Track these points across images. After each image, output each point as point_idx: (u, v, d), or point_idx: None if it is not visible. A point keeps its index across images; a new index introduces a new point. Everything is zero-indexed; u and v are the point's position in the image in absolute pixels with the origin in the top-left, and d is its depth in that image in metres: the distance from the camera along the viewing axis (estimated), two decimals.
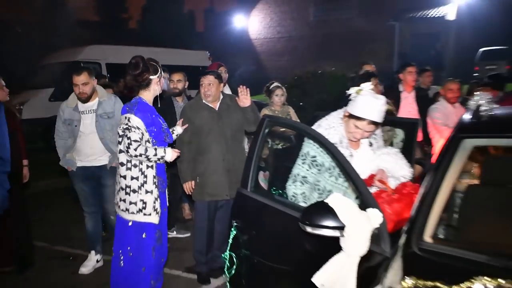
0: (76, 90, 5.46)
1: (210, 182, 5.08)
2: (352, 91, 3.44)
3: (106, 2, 31.91)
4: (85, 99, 5.49)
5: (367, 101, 3.36)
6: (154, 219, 4.47)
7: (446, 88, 6.79)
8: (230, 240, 3.54)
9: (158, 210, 4.48)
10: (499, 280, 1.94)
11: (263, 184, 4.94)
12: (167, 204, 4.80)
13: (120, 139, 4.36)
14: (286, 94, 7.16)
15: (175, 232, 7.00)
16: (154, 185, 4.46)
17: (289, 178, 3.51)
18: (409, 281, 2.07)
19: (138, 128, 4.32)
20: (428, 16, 27.35)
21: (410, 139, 3.99)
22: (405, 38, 28.05)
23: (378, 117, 3.35)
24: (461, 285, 1.97)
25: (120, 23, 32.43)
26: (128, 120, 4.33)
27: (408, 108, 6.84)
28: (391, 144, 4.34)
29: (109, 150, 5.59)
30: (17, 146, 5.49)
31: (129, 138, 4.29)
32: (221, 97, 5.31)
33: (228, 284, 3.61)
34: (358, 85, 4.06)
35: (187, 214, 7.79)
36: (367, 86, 4.07)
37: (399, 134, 4.36)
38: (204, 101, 5.21)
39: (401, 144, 4.29)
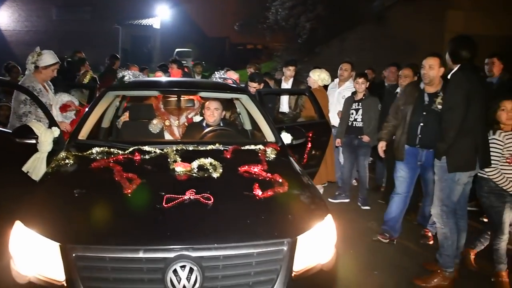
0: None
1: None
2: (35, 57, 4.14)
3: None
4: None
5: (47, 55, 4.16)
6: None
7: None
8: None
9: None
10: (104, 148, 2.91)
11: None
12: None
13: None
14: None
15: None
16: None
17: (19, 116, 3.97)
18: (63, 153, 2.83)
19: None
20: (142, 24, 28.18)
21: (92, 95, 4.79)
22: (126, 38, 28.35)
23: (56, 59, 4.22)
24: (85, 152, 2.85)
25: None
26: None
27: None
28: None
29: None
30: None
31: None
32: None
33: None
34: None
35: None
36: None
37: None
38: None
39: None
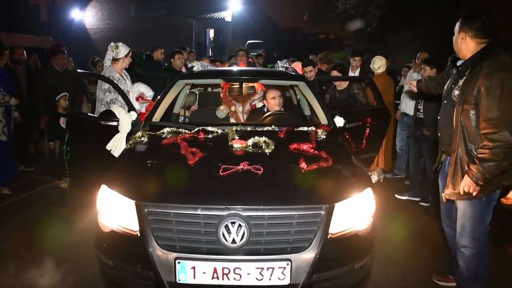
0: None
1: None
2: (114, 51, 4.66)
3: None
4: None
5: (122, 46, 4.66)
6: (3, 138, 5.45)
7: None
8: (66, 140, 4.58)
9: (6, 132, 5.46)
10: (174, 129, 3.43)
11: None
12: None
13: None
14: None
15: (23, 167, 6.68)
16: (3, 117, 5.42)
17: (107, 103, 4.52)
18: (140, 133, 3.36)
19: None
20: (214, 18, 29.17)
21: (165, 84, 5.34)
22: (200, 31, 29.55)
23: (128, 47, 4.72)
24: (158, 132, 3.38)
25: None
26: None
27: None
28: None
29: None
30: None
31: None
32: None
33: (66, 164, 4.38)
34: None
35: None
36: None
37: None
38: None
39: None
